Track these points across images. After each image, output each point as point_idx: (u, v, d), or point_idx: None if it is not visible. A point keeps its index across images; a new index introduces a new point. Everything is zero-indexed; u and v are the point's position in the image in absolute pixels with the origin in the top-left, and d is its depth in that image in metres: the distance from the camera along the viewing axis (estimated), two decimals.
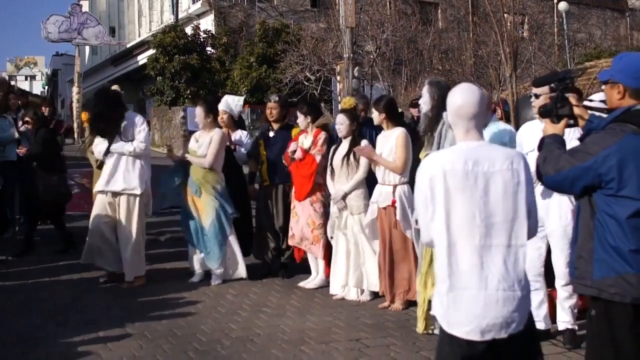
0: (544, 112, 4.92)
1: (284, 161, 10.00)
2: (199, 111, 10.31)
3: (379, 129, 9.24)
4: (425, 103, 7.89)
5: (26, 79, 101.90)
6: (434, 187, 4.08)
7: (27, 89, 77.05)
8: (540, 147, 4.84)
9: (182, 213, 10.39)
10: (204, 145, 10.10)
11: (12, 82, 78.16)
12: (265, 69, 32.72)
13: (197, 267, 10.29)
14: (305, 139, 9.97)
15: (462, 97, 4.22)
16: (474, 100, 4.19)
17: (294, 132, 10.30)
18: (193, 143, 10.21)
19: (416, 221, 8.15)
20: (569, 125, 4.87)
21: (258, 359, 7.02)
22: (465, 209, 4.04)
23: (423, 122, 7.99)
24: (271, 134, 10.52)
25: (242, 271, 10.28)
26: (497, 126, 7.82)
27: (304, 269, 10.21)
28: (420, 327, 7.58)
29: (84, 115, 20.20)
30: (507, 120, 13.86)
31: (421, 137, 8.02)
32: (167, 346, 7.42)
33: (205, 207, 10.04)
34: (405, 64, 30.21)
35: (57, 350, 7.36)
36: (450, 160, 4.11)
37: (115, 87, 11.70)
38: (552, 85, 5.04)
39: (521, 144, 7.41)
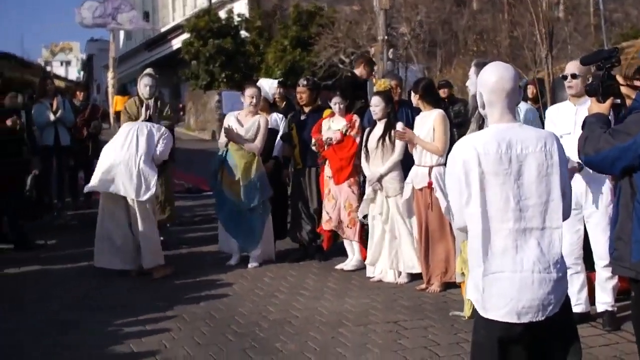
0: (590, 91, 4.84)
1: (312, 147, 10.00)
2: (254, 93, 10.30)
3: (415, 110, 9.22)
4: (472, 85, 7.86)
5: (61, 65, 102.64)
6: (469, 171, 4.03)
7: (63, 75, 77.79)
8: (583, 127, 4.78)
9: (217, 196, 10.38)
10: (252, 130, 10.12)
11: (48, 68, 78.92)
12: (300, 52, 32.67)
13: (234, 250, 10.31)
14: (331, 122, 9.97)
15: (497, 73, 4.16)
16: (509, 76, 4.14)
17: (326, 114, 10.28)
18: (239, 127, 10.15)
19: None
20: (615, 105, 4.80)
21: (296, 341, 7.03)
22: (499, 193, 4.00)
23: (471, 103, 7.97)
24: (302, 117, 10.52)
25: (272, 254, 10.39)
26: (520, 106, 7.76)
27: (340, 252, 10.21)
28: (467, 311, 7.40)
29: (118, 100, 20.29)
30: (538, 102, 13.73)
31: (469, 118, 7.98)
32: (206, 328, 7.46)
33: (245, 190, 10.04)
34: (439, 46, 30.00)
35: (96, 333, 7.44)
36: (482, 143, 4.06)
37: (149, 70, 11.75)
38: (599, 63, 4.94)
39: (553, 124, 7.34)
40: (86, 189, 10.04)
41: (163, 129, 9.76)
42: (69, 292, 9.10)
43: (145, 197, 9.38)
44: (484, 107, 4.24)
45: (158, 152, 9.57)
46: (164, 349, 6.92)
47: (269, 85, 11.28)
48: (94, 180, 9.68)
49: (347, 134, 9.77)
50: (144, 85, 11.01)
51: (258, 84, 11.17)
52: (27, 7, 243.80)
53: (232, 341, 7.08)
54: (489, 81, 4.17)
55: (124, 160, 9.41)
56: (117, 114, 25.06)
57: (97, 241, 9.76)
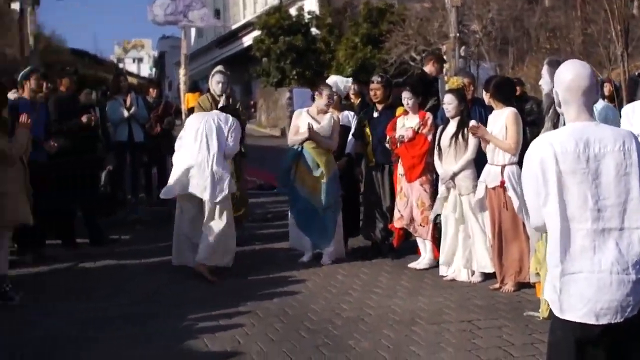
0: None
1: (387, 145, 9.98)
2: (332, 92, 10.39)
3: (488, 108, 9.16)
4: (546, 83, 7.77)
5: (134, 62, 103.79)
6: (546, 170, 3.98)
7: (135, 72, 78.76)
8: None
9: (291, 194, 10.40)
10: (327, 127, 10.17)
11: (120, 65, 79.93)
12: (370, 50, 32.61)
13: (306, 247, 10.36)
14: (405, 120, 9.95)
15: (573, 71, 4.10)
16: (585, 73, 4.08)
17: (398, 111, 10.25)
18: (315, 124, 10.18)
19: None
20: None
21: (369, 339, 7.04)
22: (576, 193, 3.95)
23: (545, 102, 7.89)
24: (375, 114, 10.50)
25: (344, 251, 10.42)
26: (596, 105, 7.64)
27: (413, 250, 10.18)
28: (543, 311, 7.28)
29: (190, 97, 20.49)
30: (613, 100, 13.52)
31: (543, 117, 7.90)
32: (279, 325, 7.52)
33: (321, 187, 10.08)
34: (511, 44, 29.69)
35: (170, 327, 7.55)
36: (560, 141, 4.01)
37: (219, 67, 11.85)
38: None
39: (630, 123, 7.23)
40: (162, 195, 10.04)
41: (231, 119, 9.72)
42: (143, 287, 9.25)
43: (219, 199, 9.44)
44: (560, 105, 4.19)
45: (230, 148, 9.62)
46: (237, 345, 6.98)
47: (342, 83, 11.31)
48: (169, 186, 9.77)
49: (419, 131, 9.74)
50: (215, 82, 11.10)
51: (329, 81, 11.22)
52: (100, 5, 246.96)
53: (306, 338, 7.12)
54: (565, 79, 4.12)
55: (197, 163, 9.45)
56: (190, 111, 25.27)
57: (175, 240, 9.86)
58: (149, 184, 14.82)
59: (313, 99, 10.63)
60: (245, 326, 7.49)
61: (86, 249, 11.24)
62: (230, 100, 11.21)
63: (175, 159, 9.81)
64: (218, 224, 9.51)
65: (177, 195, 9.74)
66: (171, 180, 9.75)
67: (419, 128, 9.73)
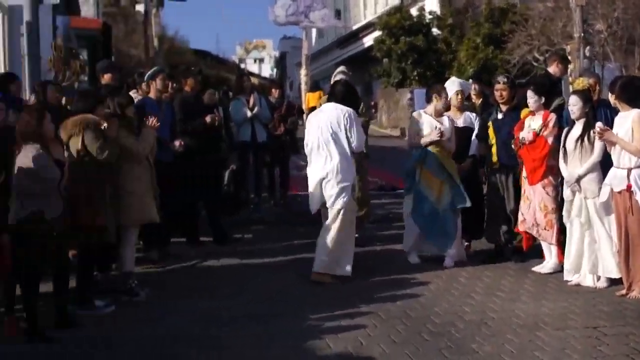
0: None
1: (512, 146, 9.81)
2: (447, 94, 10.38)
3: (614, 109, 8.92)
4: None
5: (255, 62, 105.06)
6: None
7: (256, 72, 79.68)
8: None
9: (415, 196, 10.27)
10: (448, 129, 10.14)
11: (242, 65, 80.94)
12: (492, 50, 32.16)
13: (414, 248, 10.37)
14: (531, 121, 9.77)
15: None
16: None
17: (524, 113, 10.07)
18: (440, 126, 10.12)
19: None
20: None
21: (492, 343, 6.94)
22: None
23: None
24: (499, 115, 10.34)
25: (464, 254, 10.37)
26: None
27: (537, 254, 9.97)
28: None
29: (310, 97, 20.59)
30: None
31: None
32: (401, 327, 7.48)
33: (446, 189, 10.05)
34: (637, 43, 28.92)
35: (293, 327, 7.60)
36: None
37: (342, 68, 11.87)
38: None
39: None
40: (312, 209, 9.99)
41: (345, 110, 9.65)
42: (266, 286, 9.33)
43: (339, 205, 9.44)
44: None
45: (354, 146, 9.55)
46: (359, 346, 6.98)
47: (465, 83, 11.20)
48: (310, 199, 9.80)
49: (540, 134, 9.57)
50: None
51: (453, 81, 11.13)
52: (223, 6, 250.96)
53: (428, 341, 7.06)
54: None
55: (324, 173, 9.50)
56: (311, 110, 25.35)
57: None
58: (271, 183, 14.95)
59: (427, 101, 10.54)
60: (367, 327, 7.47)
61: (210, 248, 11.40)
62: None
63: (308, 170, 9.81)
64: (336, 231, 9.47)
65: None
66: (310, 193, 9.79)
67: (540, 130, 9.55)
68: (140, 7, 46.32)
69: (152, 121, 8.98)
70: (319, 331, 7.42)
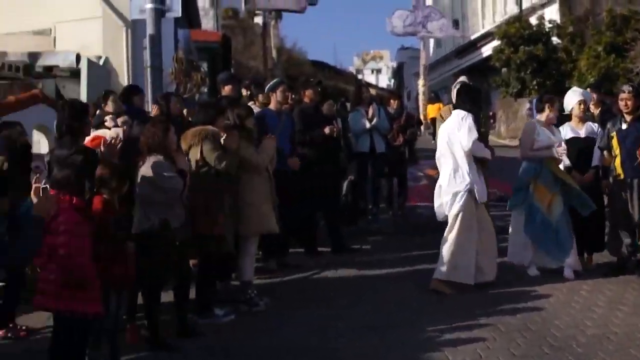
0: None
1: (637, 156, 9.55)
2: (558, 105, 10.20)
3: None
4: None
5: (372, 73, 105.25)
6: None
7: (373, 83, 79.77)
8: None
9: (527, 209, 10.11)
10: (559, 140, 9.96)
11: (359, 76, 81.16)
12: (614, 59, 31.45)
13: (526, 261, 10.20)
14: None
15: None
16: None
17: None
18: (552, 137, 9.97)
19: None
20: None
21: (616, 358, 6.78)
22: None
23: None
24: (624, 125, 10.06)
25: (579, 263, 10.12)
26: None
27: None
28: None
29: (430, 108, 20.45)
30: None
31: None
32: (521, 340, 7.36)
33: (557, 200, 9.89)
34: None
35: (411, 338, 7.56)
36: None
37: (463, 78, 11.76)
38: None
39: None
40: (438, 218, 9.95)
41: (457, 113, 9.59)
42: (383, 297, 9.31)
43: (451, 211, 9.35)
44: None
45: (462, 145, 9.43)
46: (478, 359, 6.90)
47: (585, 95, 10.96)
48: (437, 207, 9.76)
49: None
50: (457, 93, 11.00)
51: (575, 92, 10.90)
52: (340, 17, 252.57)
53: (548, 354, 6.94)
54: None
55: (442, 178, 9.54)
56: (431, 121, 25.25)
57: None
58: (390, 194, 14.89)
59: (539, 110, 10.38)
60: (486, 340, 7.38)
61: (328, 258, 11.44)
62: None
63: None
64: (455, 236, 9.38)
65: None
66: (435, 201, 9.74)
67: None
68: (258, 19, 47.01)
69: (270, 141, 9.13)
70: (437, 343, 7.37)
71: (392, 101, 15.37)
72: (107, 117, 9.48)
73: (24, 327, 8.14)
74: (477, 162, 9.51)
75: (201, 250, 8.40)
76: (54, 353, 6.33)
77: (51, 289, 6.12)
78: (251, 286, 9.07)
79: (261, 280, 9.88)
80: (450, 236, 9.39)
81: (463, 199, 9.35)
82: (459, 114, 9.52)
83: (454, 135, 9.42)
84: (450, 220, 9.43)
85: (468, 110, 9.50)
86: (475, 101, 9.81)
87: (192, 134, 8.42)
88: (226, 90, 11.11)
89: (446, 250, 9.39)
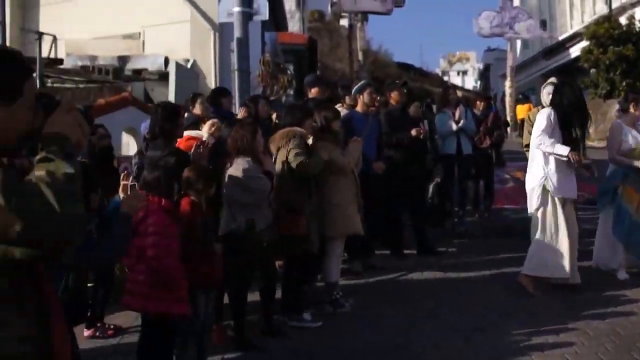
0: None
1: None
2: None
3: None
4: None
5: (458, 75, 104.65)
6: None
7: (459, 84, 79.31)
8: None
9: (616, 211, 9.95)
10: None
11: (445, 78, 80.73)
12: None
13: (613, 265, 10.05)
14: None
15: None
16: None
17: None
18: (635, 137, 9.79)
19: None
20: None
21: None
22: None
23: None
24: None
25: None
26: None
27: None
28: None
29: (519, 109, 20.23)
30: None
31: None
32: (610, 345, 7.25)
33: None
34: None
35: (497, 342, 7.50)
36: None
37: (552, 79, 11.61)
38: None
39: None
40: None
41: (541, 111, 9.53)
42: (469, 300, 9.24)
43: (534, 205, 9.30)
44: None
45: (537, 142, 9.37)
46: None
47: None
48: None
49: None
50: (547, 94, 10.85)
51: None
52: (427, 18, 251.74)
53: None
54: None
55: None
56: (521, 122, 24.96)
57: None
58: (476, 196, 14.80)
59: (623, 110, 10.21)
60: (574, 345, 7.29)
61: (414, 260, 11.40)
62: None
63: None
64: (539, 232, 9.31)
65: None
66: None
67: None
68: (344, 22, 47.08)
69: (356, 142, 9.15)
70: (523, 347, 7.30)
71: (478, 102, 15.26)
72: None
73: (112, 326, 8.31)
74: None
75: (286, 251, 8.45)
76: (141, 353, 6.43)
77: (139, 289, 6.21)
78: (336, 287, 9.09)
79: (346, 282, 9.89)
80: (536, 233, 9.32)
81: (539, 194, 9.27)
82: (544, 111, 9.42)
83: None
84: (533, 217, 9.38)
85: (555, 107, 9.37)
86: (568, 98, 9.62)
87: (280, 135, 8.48)
88: (313, 92, 11.15)
89: (534, 246, 9.35)
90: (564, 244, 9.20)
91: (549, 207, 9.29)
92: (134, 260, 6.26)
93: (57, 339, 2.72)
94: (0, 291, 2.54)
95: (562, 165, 9.17)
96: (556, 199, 9.24)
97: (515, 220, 13.39)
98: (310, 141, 8.56)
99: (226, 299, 8.01)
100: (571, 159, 8.99)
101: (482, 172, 14.40)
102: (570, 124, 9.23)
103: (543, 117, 9.22)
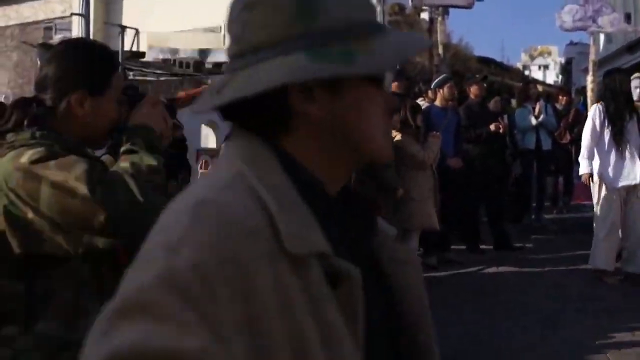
0: None
1: None
2: None
3: None
4: None
5: (539, 69, 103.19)
6: None
7: (541, 79, 78.27)
8: None
9: None
10: None
11: (526, 72, 79.72)
12: None
13: None
14: None
15: None
16: None
17: None
18: None
19: None
20: None
21: None
22: None
23: None
24: None
25: None
26: None
27: None
28: None
29: None
30: None
31: None
32: None
33: None
34: None
35: (572, 338, 7.42)
36: None
37: (638, 74, 11.49)
38: None
39: None
40: None
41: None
42: (546, 295, 9.15)
43: None
44: None
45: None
46: None
47: None
48: None
49: None
50: (633, 87, 10.72)
51: None
52: (509, 12, 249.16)
53: None
54: None
55: None
56: None
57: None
58: (555, 192, 14.67)
59: None
60: None
61: (490, 255, 11.35)
62: None
63: None
64: (595, 225, 9.44)
65: None
66: None
67: None
68: (424, 15, 46.83)
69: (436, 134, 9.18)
70: (600, 344, 7.21)
71: (560, 97, 15.12)
72: None
73: None
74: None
75: None
76: None
77: None
78: None
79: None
80: (600, 226, 9.40)
81: (596, 185, 9.31)
82: (592, 108, 9.53)
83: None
84: (595, 211, 9.49)
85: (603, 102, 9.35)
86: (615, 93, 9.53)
87: None
88: (393, 87, 11.18)
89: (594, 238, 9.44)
90: (631, 235, 9.29)
91: (605, 197, 9.33)
92: None
93: None
94: (82, 280, 2.61)
95: (613, 153, 9.20)
96: (615, 189, 9.27)
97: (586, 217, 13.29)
98: (394, 136, 8.61)
99: None
100: (583, 179, 9.40)
101: (561, 167, 14.27)
102: (617, 118, 9.24)
103: (589, 116, 9.26)
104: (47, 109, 2.72)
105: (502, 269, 10.58)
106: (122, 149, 2.69)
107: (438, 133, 9.32)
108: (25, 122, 2.68)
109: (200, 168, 5.77)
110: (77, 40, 3.85)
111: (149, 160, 2.62)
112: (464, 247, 11.66)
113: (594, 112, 9.33)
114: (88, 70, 2.74)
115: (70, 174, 2.48)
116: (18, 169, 2.52)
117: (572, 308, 8.47)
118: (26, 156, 2.53)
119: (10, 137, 2.65)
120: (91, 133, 2.78)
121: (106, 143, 2.89)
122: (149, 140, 2.70)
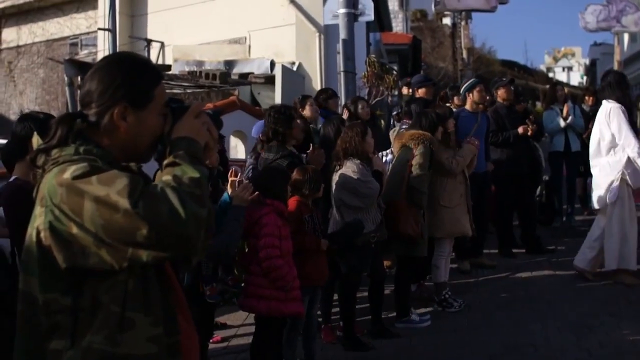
0: None
1: None
2: None
3: None
4: None
5: (563, 70, 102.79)
6: None
7: (565, 80, 77.92)
8: None
9: None
10: None
11: (550, 74, 79.33)
12: None
13: None
14: None
15: None
16: None
17: None
18: None
19: None
20: None
21: None
22: None
23: None
24: None
25: None
26: None
27: None
28: None
29: None
30: None
31: None
32: None
33: None
34: None
35: (610, 342, 7.36)
36: None
37: None
38: None
39: None
40: None
41: (604, 105, 9.40)
42: (579, 298, 9.11)
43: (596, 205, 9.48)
44: None
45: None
46: None
47: None
48: None
49: None
50: None
51: None
52: (531, 14, 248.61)
53: None
54: None
55: None
56: None
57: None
58: (585, 193, 14.59)
59: None
60: None
61: (523, 258, 11.29)
62: None
63: None
64: (616, 227, 9.29)
65: None
66: None
67: None
68: (447, 20, 46.77)
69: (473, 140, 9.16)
70: (636, 348, 7.17)
71: (587, 98, 15.03)
72: None
73: (219, 324, 8.45)
74: None
75: (396, 252, 8.49)
76: (253, 351, 6.53)
77: (253, 290, 6.32)
78: (445, 287, 9.09)
79: (455, 281, 9.86)
80: (613, 226, 9.27)
81: (617, 186, 9.19)
82: (607, 105, 9.33)
83: (604, 125, 9.26)
84: (608, 210, 9.30)
85: (617, 100, 9.27)
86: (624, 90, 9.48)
87: (411, 136, 8.59)
88: (420, 92, 11.18)
89: (612, 240, 9.28)
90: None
91: (626, 199, 9.26)
92: (248, 261, 6.37)
93: (184, 337, 2.80)
94: (128, 293, 2.62)
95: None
96: (630, 190, 9.24)
97: None
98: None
99: (335, 299, 8.08)
100: None
101: (590, 169, 14.17)
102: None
103: (620, 116, 9.15)
104: (91, 124, 2.74)
105: (535, 272, 10.52)
106: (165, 162, 2.70)
107: (477, 141, 9.29)
108: (70, 138, 2.70)
109: (230, 176, 5.82)
110: (119, 54, 3.88)
111: (191, 172, 2.62)
112: (496, 251, 11.59)
113: (623, 112, 9.20)
114: (130, 84, 2.75)
115: (112, 188, 2.49)
116: (61, 185, 2.54)
117: (606, 311, 8.42)
118: (69, 172, 2.55)
119: (55, 153, 2.68)
120: (135, 146, 2.80)
121: (151, 157, 2.90)
122: (191, 152, 2.70)
